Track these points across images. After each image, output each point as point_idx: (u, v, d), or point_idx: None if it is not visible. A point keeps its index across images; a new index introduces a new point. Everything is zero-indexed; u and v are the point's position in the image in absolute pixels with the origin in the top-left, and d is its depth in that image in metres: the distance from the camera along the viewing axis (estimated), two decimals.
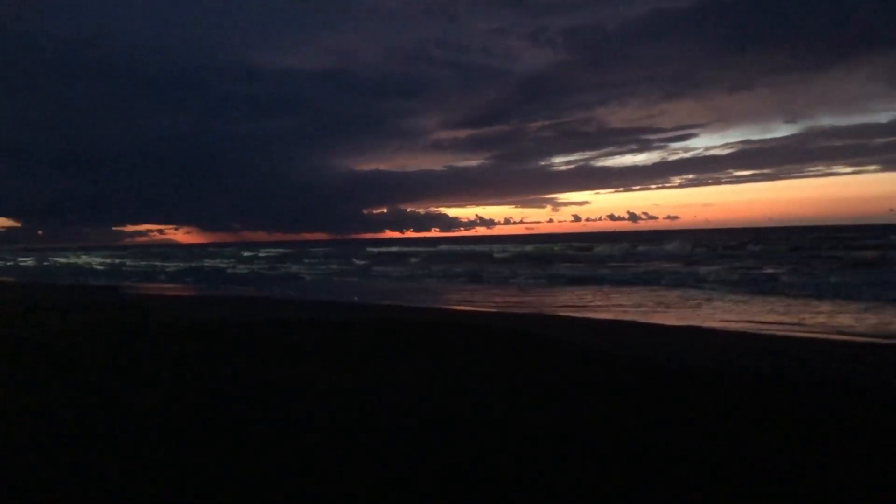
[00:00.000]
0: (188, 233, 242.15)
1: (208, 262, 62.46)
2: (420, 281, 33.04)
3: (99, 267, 62.26)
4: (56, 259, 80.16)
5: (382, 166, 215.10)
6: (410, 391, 7.01)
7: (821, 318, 14.21)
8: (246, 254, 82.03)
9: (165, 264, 60.65)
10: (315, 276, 39.46)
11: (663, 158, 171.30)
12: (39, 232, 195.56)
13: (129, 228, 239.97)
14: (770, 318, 14.64)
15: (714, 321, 14.37)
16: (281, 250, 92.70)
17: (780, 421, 5.79)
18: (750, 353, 9.93)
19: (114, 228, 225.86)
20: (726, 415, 6.05)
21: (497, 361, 8.91)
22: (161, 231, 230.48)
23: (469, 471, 4.51)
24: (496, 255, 56.21)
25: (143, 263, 64.79)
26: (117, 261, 72.78)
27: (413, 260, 55.14)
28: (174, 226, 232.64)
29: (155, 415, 6.06)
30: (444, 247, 79.76)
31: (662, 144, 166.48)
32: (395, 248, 76.53)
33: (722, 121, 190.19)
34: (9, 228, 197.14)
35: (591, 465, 4.60)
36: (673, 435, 5.33)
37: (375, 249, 76.76)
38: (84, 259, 79.00)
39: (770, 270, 28.82)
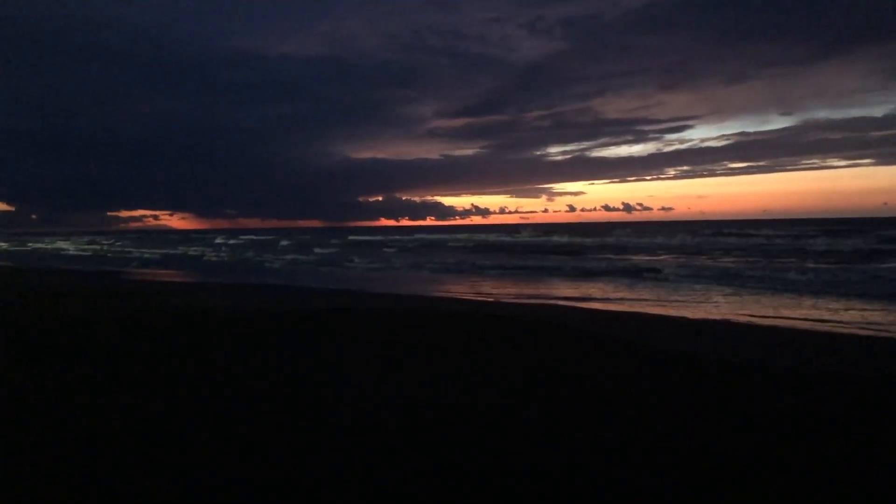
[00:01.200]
0: (183, 218, 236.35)
1: (181, 249, 62.42)
2: (388, 272, 31.61)
3: (72, 252, 62.17)
4: (31, 244, 79.83)
5: (378, 154, 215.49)
6: (457, 390, 6.38)
7: (851, 314, 13.31)
8: (218, 240, 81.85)
9: (142, 251, 60.43)
10: (280, 264, 38.11)
11: (659, 149, 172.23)
12: (33, 216, 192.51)
13: (124, 214, 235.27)
14: (796, 312, 13.70)
15: (737, 314, 13.45)
16: (250, 237, 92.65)
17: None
18: (793, 349, 9.29)
19: (108, 214, 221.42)
20: (801, 417, 5.46)
21: (539, 356, 8.20)
22: (156, 217, 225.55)
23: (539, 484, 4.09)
24: (468, 245, 55.80)
25: (118, 250, 64.58)
26: (94, 246, 72.53)
27: (387, 250, 54.04)
28: (169, 211, 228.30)
29: (169, 414, 5.53)
30: (420, 235, 79.55)
31: (658, 135, 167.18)
32: (377, 237, 76.10)
33: (718, 112, 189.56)
34: (2, 212, 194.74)
35: (666, 473, 4.24)
36: (749, 441, 4.86)
37: (357, 237, 76.88)
38: (59, 245, 78.63)
39: (775, 263, 28.44)
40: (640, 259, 34.63)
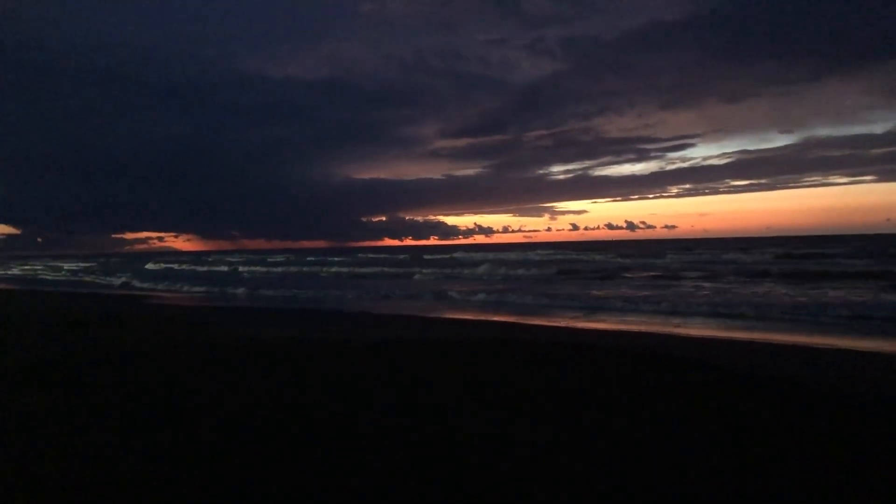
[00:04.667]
0: (188, 240, 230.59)
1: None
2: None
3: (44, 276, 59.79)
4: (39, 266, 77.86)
5: (381, 174, 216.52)
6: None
7: None
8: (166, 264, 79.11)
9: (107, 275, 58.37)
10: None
11: (661, 168, 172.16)
12: (39, 239, 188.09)
13: (129, 236, 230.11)
14: None
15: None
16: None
17: None
18: None
19: (113, 236, 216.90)
20: None
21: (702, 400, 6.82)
22: (161, 238, 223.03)
23: None
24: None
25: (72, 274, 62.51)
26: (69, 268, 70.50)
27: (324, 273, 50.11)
28: (174, 233, 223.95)
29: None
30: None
31: (660, 154, 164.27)
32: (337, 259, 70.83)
33: (719, 131, 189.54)
34: (8, 235, 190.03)
35: None
36: None
37: (312, 258, 72.93)
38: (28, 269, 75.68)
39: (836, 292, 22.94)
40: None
